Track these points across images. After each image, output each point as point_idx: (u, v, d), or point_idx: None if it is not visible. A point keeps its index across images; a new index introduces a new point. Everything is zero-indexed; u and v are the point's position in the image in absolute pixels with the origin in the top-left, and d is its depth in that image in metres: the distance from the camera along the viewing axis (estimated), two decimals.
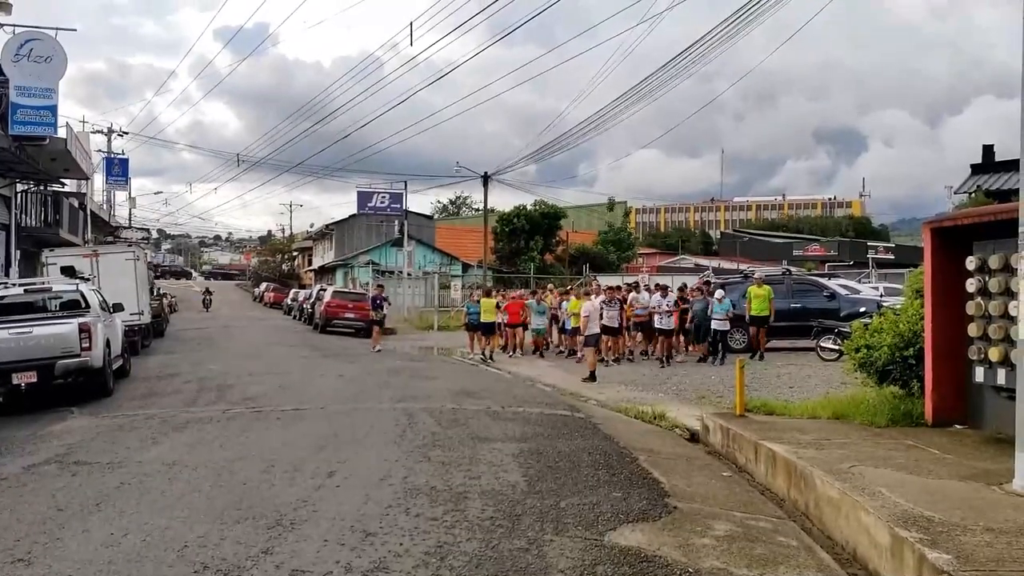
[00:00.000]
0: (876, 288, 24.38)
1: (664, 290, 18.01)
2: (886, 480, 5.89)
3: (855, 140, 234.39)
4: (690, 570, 4.74)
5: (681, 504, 6.24)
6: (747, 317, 17.45)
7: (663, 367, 16.52)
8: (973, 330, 7.46)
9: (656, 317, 17.37)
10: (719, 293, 17.52)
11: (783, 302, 18.13)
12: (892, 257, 57.31)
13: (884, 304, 14.75)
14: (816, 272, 33.18)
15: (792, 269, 26.76)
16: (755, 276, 18.54)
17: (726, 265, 57.50)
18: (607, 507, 6.06)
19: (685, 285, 21.96)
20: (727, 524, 5.76)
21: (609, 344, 17.31)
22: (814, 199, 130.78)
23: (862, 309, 16.89)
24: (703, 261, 65.56)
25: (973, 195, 19.09)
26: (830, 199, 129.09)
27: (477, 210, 61.73)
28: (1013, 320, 6.60)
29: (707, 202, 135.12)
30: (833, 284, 20.70)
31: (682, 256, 73.19)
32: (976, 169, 16.34)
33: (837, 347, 15.31)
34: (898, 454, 6.86)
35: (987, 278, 7.32)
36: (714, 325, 17.19)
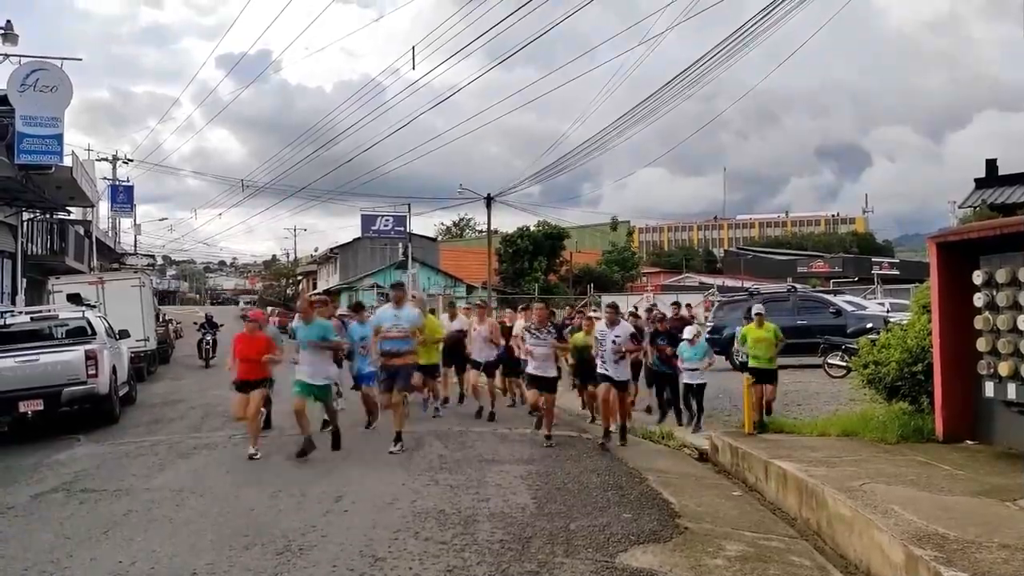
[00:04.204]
0: (882, 304, 24.32)
1: (613, 313, 10.18)
2: (898, 497, 5.85)
3: (858, 157, 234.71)
4: None
5: (692, 524, 6.19)
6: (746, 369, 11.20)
7: (603, 448, 9.54)
8: (982, 345, 7.42)
9: (599, 363, 9.98)
10: (690, 331, 11.62)
11: (789, 319, 18.04)
12: (897, 273, 57.24)
13: (891, 320, 14.69)
14: (821, 289, 33.10)
15: (797, 286, 26.65)
16: (754, 309, 11.71)
17: (730, 283, 57.42)
18: (617, 528, 6.02)
19: (653, 307, 15.96)
20: (739, 544, 5.71)
21: (541, 404, 9.94)
22: (818, 216, 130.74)
23: (869, 325, 16.82)
24: (708, 279, 65.51)
25: (977, 209, 19.03)
26: (833, 216, 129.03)
27: (481, 232, 61.92)
28: (1022, 334, 6.58)
29: (710, 220, 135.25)
30: (839, 300, 20.64)
31: (686, 275, 73.13)
32: (980, 183, 16.32)
33: (844, 364, 15.25)
34: (909, 471, 6.81)
35: (995, 292, 7.28)
36: (684, 379, 11.40)
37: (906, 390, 8.61)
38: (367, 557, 5.35)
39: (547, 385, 9.94)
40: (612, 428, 9.87)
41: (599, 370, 10.00)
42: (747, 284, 44.54)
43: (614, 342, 9.78)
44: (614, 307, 10.51)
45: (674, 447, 10.02)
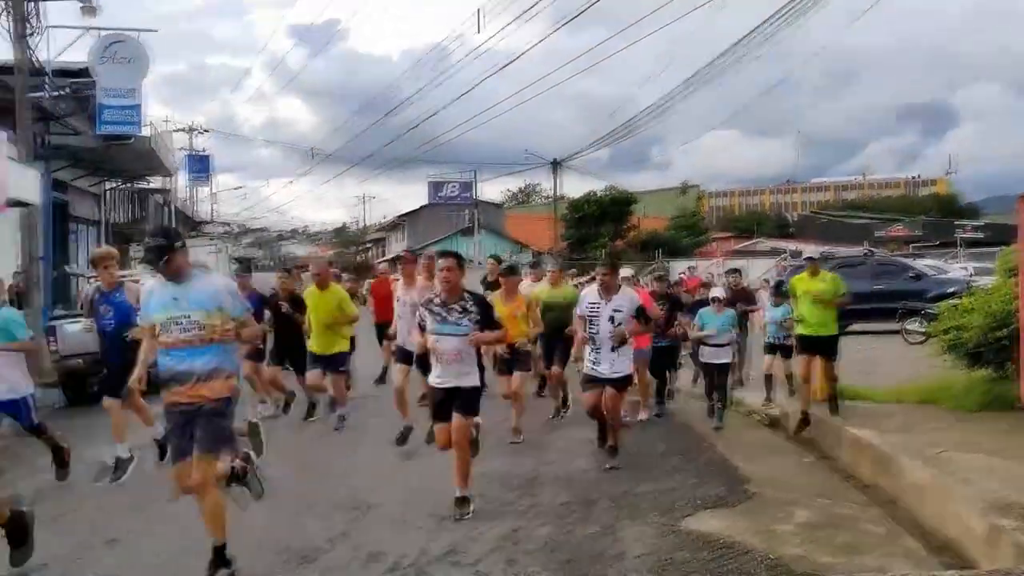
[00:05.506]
0: (965, 268, 23.38)
1: (611, 276, 7.02)
2: (978, 465, 5.63)
3: (941, 117, 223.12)
4: (771, 557, 4.61)
5: (760, 490, 6.09)
6: (793, 338, 8.90)
7: (610, 467, 6.80)
8: None
9: (588, 355, 7.03)
10: (716, 292, 9.48)
11: (865, 284, 17.48)
12: (982, 236, 54.79)
13: (973, 284, 14.08)
14: (900, 253, 31.96)
15: (875, 250, 25.78)
16: (806, 255, 9.71)
17: (804, 247, 55.86)
18: (683, 493, 5.97)
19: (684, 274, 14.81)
20: (809, 511, 5.59)
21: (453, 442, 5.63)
22: (897, 178, 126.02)
23: (950, 290, 16.17)
24: (780, 244, 63.91)
25: None
26: (914, 178, 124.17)
27: (547, 197, 61.68)
28: None
29: (783, 184, 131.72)
30: (919, 265, 19.93)
31: (758, 239, 71.51)
32: None
33: (923, 329, 14.73)
34: (990, 439, 6.54)
35: None
36: (704, 358, 9.16)
37: (990, 356, 8.24)
38: (433, 517, 5.43)
39: (463, 403, 5.61)
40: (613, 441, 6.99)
41: (587, 368, 7.02)
42: (821, 249, 43.28)
43: (611, 319, 6.81)
44: (611, 267, 7.24)
45: (743, 413, 9.86)
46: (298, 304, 9.10)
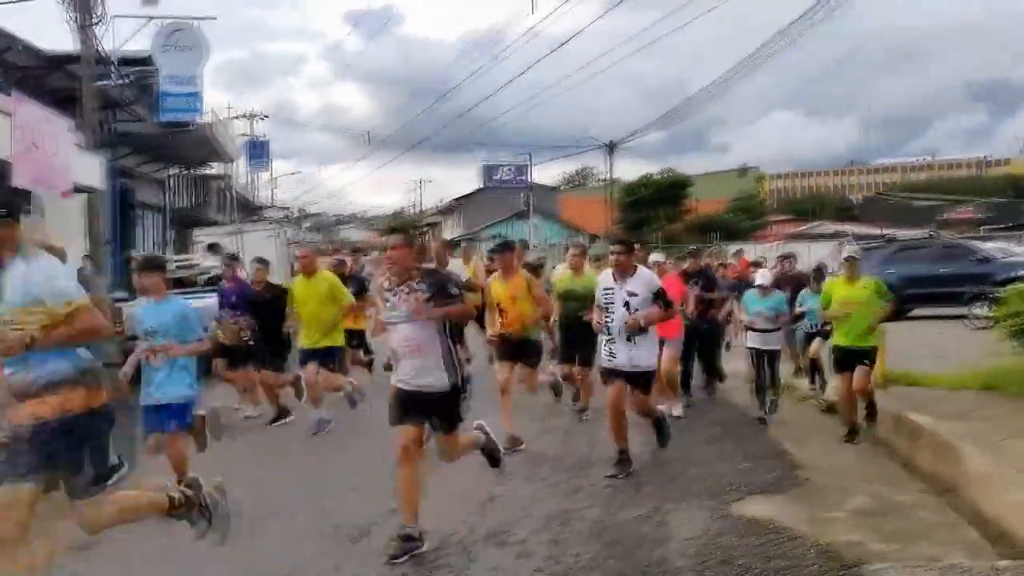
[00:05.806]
0: None
1: (625, 255, 6.21)
2: None
3: (1015, 94, 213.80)
4: (821, 543, 4.54)
5: (813, 476, 6.00)
6: (831, 348, 7.98)
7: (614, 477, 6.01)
8: None
9: (604, 342, 6.27)
10: (761, 276, 8.74)
11: (929, 267, 17.00)
12: None
13: None
14: (967, 235, 30.84)
15: (939, 233, 25.01)
16: (845, 252, 7.79)
17: (867, 231, 54.41)
18: (734, 477, 5.91)
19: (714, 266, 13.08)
20: (863, 498, 5.48)
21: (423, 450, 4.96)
22: (966, 158, 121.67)
23: (1019, 273, 15.61)
24: (842, 227, 62.28)
25: None
26: (984, 158, 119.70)
27: (602, 180, 61.33)
28: None
29: (846, 166, 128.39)
30: (986, 247, 19.27)
31: (819, 222, 69.86)
32: None
33: (989, 314, 14.26)
34: None
35: None
36: (751, 343, 8.51)
37: None
38: (481, 496, 5.48)
39: (442, 417, 4.85)
40: (626, 447, 6.25)
41: (604, 357, 6.27)
42: (885, 231, 42.12)
43: (627, 304, 6.06)
44: (625, 245, 6.34)
45: (798, 398, 9.69)
46: (280, 295, 8.40)
